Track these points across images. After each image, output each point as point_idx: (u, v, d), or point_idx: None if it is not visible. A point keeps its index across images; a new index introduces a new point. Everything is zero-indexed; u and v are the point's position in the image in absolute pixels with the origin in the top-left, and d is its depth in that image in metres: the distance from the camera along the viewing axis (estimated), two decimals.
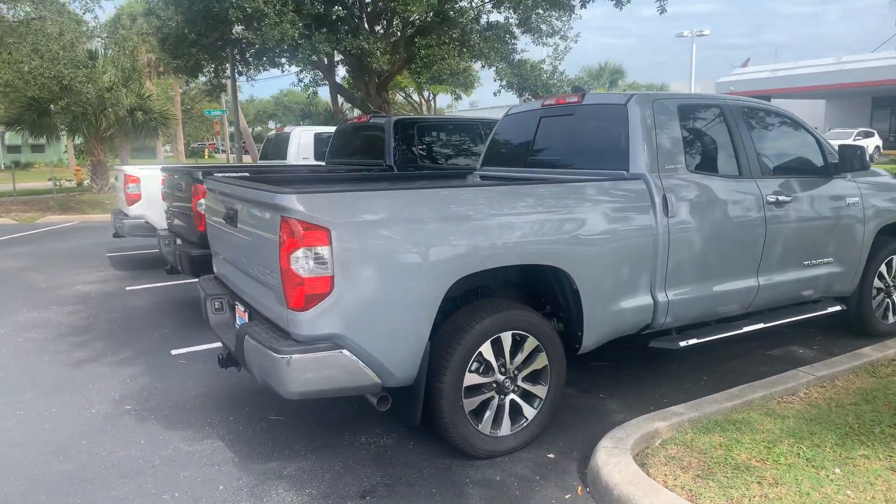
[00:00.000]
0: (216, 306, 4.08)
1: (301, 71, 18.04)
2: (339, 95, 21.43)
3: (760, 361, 4.93)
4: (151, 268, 9.34)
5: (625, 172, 4.04)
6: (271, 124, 59.37)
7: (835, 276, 4.93)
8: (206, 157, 50.15)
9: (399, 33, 15.44)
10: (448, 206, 3.23)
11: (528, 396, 3.62)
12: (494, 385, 3.50)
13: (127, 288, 7.98)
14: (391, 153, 6.63)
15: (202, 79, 20.99)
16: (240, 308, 3.80)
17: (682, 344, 4.14)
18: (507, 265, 3.41)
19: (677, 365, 4.85)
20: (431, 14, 14.52)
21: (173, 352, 5.41)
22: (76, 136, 21.10)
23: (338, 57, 17.39)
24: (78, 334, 5.99)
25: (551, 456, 3.55)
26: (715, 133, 4.44)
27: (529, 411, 3.62)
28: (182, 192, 6.21)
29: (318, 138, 10.06)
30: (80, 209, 16.89)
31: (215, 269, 4.42)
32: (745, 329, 4.49)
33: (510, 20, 16.13)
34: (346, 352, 3.02)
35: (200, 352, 5.39)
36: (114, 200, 14.40)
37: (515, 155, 5.11)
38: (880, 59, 44.13)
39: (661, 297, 4.00)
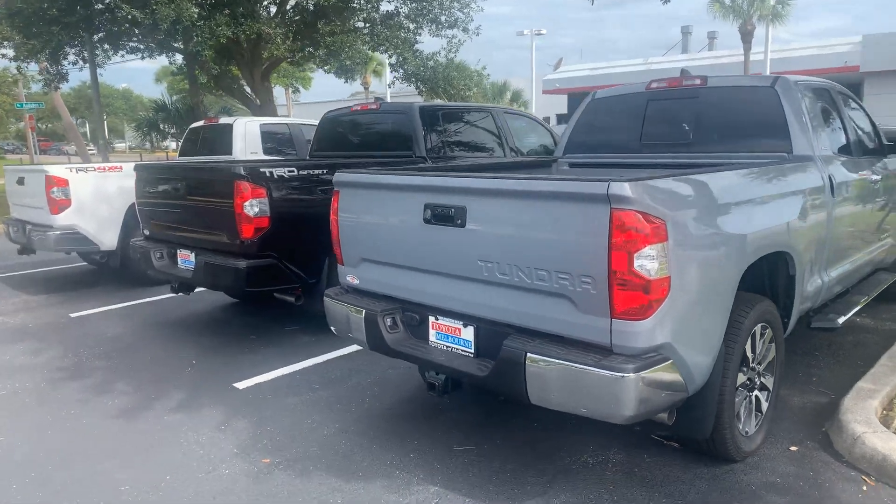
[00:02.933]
0: (389, 324, 3.37)
1: (172, 56, 16.11)
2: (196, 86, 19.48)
3: (861, 331, 5.19)
4: (64, 287, 7.74)
5: (786, 155, 4.00)
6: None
7: (891, 247, 5.35)
8: None
9: (298, 18, 14.30)
10: (748, 190, 2.95)
11: (762, 389, 3.45)
12: (748, 381, 3.28)
13: (71, 315, 6.48)
14: (422, 143, 6.04)
15: (33, 65, 17.85)
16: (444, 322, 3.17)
17: (841, 321, 4.21)
18: (774, 251, 3.21)
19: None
20: None
21: (238, 386, 4.45)
22: None
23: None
24: (80, 377, 4.72)
25: (794, 448, 3.41)
26: (837, 115, 4.58)
27: (763, 405, 3.45)
28: (195, 191, 5.14)
29: (265, 130, 8.91)
30: None
31: (355, 280, 3.66)
32: (871, 297, 4.69)
33: (400, 10, 15.69)
34: (673, 362, 2.62)
35: (272, 382, 4.50)
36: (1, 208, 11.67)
37: (618, 140, 4.88)
38: (676, 61, 50.03)
39: (825, 276, 4.03)
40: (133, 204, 7.28)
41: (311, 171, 5.06)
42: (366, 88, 47.60)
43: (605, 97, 5.08)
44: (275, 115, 16.51)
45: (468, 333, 3.10)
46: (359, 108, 6.81)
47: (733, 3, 30.25)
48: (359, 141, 6.84)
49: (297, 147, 9.06)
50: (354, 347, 5.07)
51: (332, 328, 3.78)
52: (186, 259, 5.35)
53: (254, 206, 4.72)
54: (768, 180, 3.40)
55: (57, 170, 7.06)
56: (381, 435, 3.68)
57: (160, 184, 5.58)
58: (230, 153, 8.56)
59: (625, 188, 2.45)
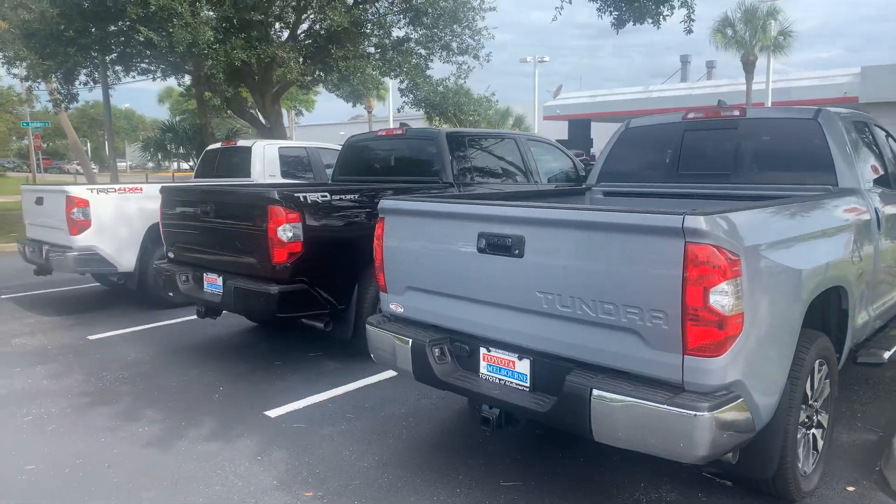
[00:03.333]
0: (437, 354, 3.30)
1: (182, 77, 16.19)
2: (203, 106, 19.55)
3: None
4: (78, 308, 7.64)
5: (831, 187, 3.97)
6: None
7: None
8: None
9: (309, 42, 14.40)
10: (811, 223, 2.91)
11: (818, 427, 3.37)
12: (807, 419, 3.21)
13: (89, 337, 6.39)
14: (448, 169, 6.01)
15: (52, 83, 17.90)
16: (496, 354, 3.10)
17: (886, 355, 4.15)
18: (834, 285, 3.17)
19: None
20: (347, 22, 13.74)
21: (270, 414, 4.36)
22: None
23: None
24: (107, 403, 4.61)
25: (851, 489, 3.33)
26: (875, 146, 4.56)
27: (819, 443, 3.37)
28: (226, 214, 5.09)
29: (283, 154, 8.90)
30: None
31: (399, 308, 3.59)
32: None
33: (411, 36, 15.81)
34: (743, 400, 2.55)
35: (304, 411, 4.41)
36: (16, 227, 11.52)
37: (654, 170, 4.86)
38: (676, 89, 50.69)
39: (870, 310, 3.98)
40: (152, 226, 7.30)
41: (343, 196, 5.03)
42: (369, 112, 47.99)
43: (640, 126, 5.07)
44: (284, 137, 16.57)
45: (523, 366, 3.03)
46: (384, 133, 6.81)
47: (735, 35, 30.60)
48: (383, 166, 6.82)
49: (315, 171, 9.05)
50: (383, 376, 4.99)
51: (374, 356, 3.71)
52: (213, 283, 5.28)
53: (287, 231, 4.67)
54: (826, 213, 3.36)
55: (78, 190, 7.01)
56: (423, 468, 3.58)
57: (188, 206, 5.54)
58: (248, 175, 8.54)
59: (700, 222, 2.40)
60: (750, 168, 4.42)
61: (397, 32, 14.82)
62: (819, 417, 3.35)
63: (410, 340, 3.38)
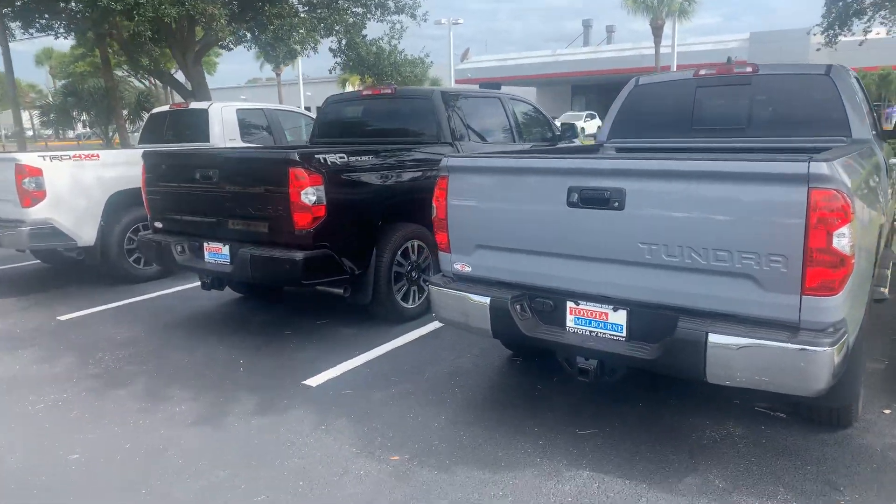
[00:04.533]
0: (519, 310, 3.29)
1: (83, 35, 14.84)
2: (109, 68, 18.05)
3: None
4: (32, 288, 7.00)
5: (845, 139, 4.25)
6: None
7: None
8: None
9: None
10: (874, 169, 3.11)
11: None
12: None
13: (59, 318, 5.88)
14: (446, 128, 5.91)
15: None
16: None
17: (886, 291, 4.53)
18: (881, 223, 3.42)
19: None
20: None
21: (310, 383, 4.21)
22: None
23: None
24: (122, 385, 4.29)
25: (888, 412, 3.66)
26: (866, 101, 4.89)
27: None
28: (234, 179, 4.78)
29: (241, 117, 8.36)
30: None
31: (466, 268, 3.54)
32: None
33: None
34: (847, 334, 2.73)
35: (343, 378, 4.30)
36: None
37: (666, 125, 4.99)
38: (583, 53, 52.12)
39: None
40: (112, 195, 6.77)
41: (360, 158, 4.84)
42: (277, 75, 46.11)
43: (649, 83, 5.18)
44: (209, 99, 15.62)
45: (618, 317, 3.08)
46: (370, 92, 6.57)
47: (645, 0, 31.65)
48: (371, 127, 6.60)
49: (275, 134, 8.62)
50: (406, 338, 4.95)
51: (440, 317, 3.66)
52: (216, 252, 4.98)
53: (310, 195, 4.46)
54: (873, 160, 3.60)
55: (29, 158, 6.34)
56: (495, 424, 3.60)
57: (181, 172, 5.15)
58: (206, 140, 8.00)
59: (823, 167, 2.51)
60: (764, 122, 4.64)
61: None
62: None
63: (489, 298, 3.35)
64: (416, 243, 5.39)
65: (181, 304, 6.20)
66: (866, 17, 18.07)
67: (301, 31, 13.32)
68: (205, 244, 5.05)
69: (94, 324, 5.69)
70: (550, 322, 3.31)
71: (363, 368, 4.46)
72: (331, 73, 16.31)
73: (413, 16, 15.35)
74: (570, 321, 3.24)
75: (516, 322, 3.27)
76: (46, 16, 14.43)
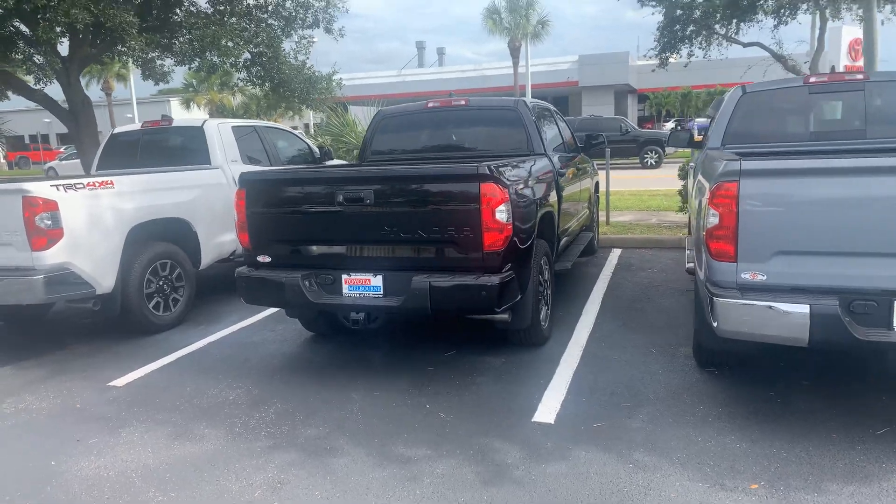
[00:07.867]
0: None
1: None
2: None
3: None
4: (43, 350, 5.62)
5: None
6: None
7: None
8: None
9: (153, 5, 12.03)
10: None
11: None
12: None
13: (112, 384, 4.74)
14: (537, 138, 5.69)
15: None
16: None
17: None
18: None
19: None
20: None
21: (539, 420, 3.78)
22: None
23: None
24: (321, 452, 3.52)
25: None
26: None
27: None
28: (399, 198, 4.18)
29: (238, 135, 7.25)
30: None
31: (758, 276, 3.39)
32: None
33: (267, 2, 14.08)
34: None
35: (565, 410, 3.91)
36: None
37: (784, 130, 5.25)
38: (428, 73, 53.85)
39: None
40: (132, 229, 5.67)
41: (530, 171, 4.50)
42: (108, 94, 41.74)
43: (758, 91, 5.40)
44: (94, 121, 13.63)
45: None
46: (437, 104, 6.13)
47: (502, 21, 33.24)
48: (443, 141, 6.15)
49: (269, 154, 7.69)
50: (571, 364, 4.65)
51: (738, 331, 3.44)
52: (362, 284, 4.31)
53: (503, 212, 4.04)
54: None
55: (40, 188, 5.03)
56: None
57: (313, 195, 4.40)
58: (206, 162, 6.89)
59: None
60: (882, 125, 5.03)
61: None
62: None
63: (809, 306, 3.24)
64: (544, 258, 5.08)
65: (236, 352, 5.27)
66: (689, 44, 19.93)
67: (224, 41, 12.13)
68: (343, 276, 4.35)
69: (172, 385, 4.65)
70: (873, 325, 3.27)
71: (578, 399, 4.10)
72: (235, 87, 15.04)
73: (329, 30, 14.69)
74: None
75: (846, 327, 3.19)
76: None
